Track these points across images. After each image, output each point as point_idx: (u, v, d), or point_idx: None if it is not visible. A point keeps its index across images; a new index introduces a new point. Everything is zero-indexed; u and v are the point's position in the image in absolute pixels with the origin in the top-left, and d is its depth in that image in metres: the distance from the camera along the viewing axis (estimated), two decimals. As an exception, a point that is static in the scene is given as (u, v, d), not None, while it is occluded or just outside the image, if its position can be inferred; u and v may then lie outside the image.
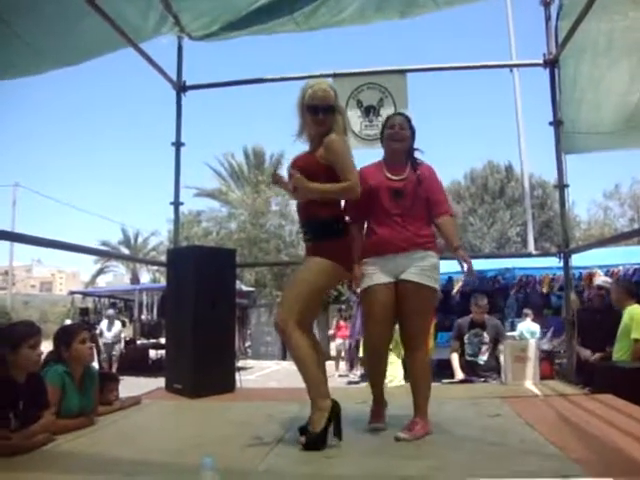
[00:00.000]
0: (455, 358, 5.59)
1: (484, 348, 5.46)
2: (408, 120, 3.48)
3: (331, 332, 15.67)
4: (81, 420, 3.35)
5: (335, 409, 2.92)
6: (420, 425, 3.09)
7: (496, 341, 5.47)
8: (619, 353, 4.87)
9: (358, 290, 3.40)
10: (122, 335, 14.97)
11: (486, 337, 5.47)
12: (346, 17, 5.35)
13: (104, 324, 14.28)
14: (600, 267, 10.27)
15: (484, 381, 5.34)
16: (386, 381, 5.04)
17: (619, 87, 4.89)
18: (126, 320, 18.21)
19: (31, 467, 2.63)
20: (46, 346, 3.47)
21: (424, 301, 3.23)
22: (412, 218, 3.27)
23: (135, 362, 14.73)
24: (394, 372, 5.22)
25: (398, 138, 3.38)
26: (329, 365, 16.47)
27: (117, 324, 14.66)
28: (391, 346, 5.09)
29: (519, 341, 5.13)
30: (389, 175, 3.34)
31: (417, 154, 3.45)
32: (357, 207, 3.27)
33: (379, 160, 3.48)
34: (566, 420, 3.37)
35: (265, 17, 5.26)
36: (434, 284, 3.24)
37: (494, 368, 5.43)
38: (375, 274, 3.25)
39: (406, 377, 5.06)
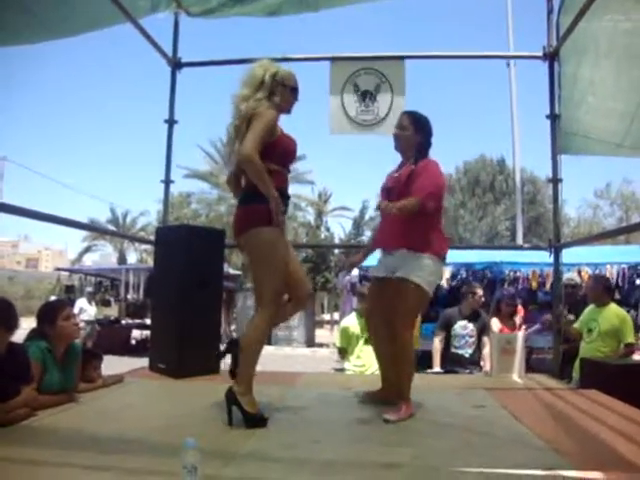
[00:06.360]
0: (438, 348, 5.51)
1: (471, 341, 5.43)
2: (413, 118, 3.52)
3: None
4: (62, 396, 3.30)
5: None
6: (404, 407, 3.16)
7: (481, 334, 5.46)
8: (606, 349, 4.92)
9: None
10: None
11: (474, 330, 5.45)
12: None
13: (83, 302, 13.74)
14: (588, 265, 10.31)
15: (469, 372, 5.34)
16: (362, 368, 5.09)
17: (619, 95, 4.85)
18: (111, 299, 18.15)
19: (10, 441, 2.59)
20: (31, 322, 3.43)
21: (406, 297, 3.26)
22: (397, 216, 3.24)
23: (118, 342, 14.66)
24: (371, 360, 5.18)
25: (395, 138, 3.52)
26: (322, 352, 16.65)
27: (93, 305, 14.29)
28: (366, 335, 5.09)
29: (506, 334, 5.12)
30: (393, 174, 3.52)
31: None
32: None
33: None
34: (551, 413, 3.38)
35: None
36: (419, 281, 3.23)
37: (477, 362, 5.44)
38: (376, 268, 3.57)
39: None
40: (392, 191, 3.40)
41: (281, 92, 3.15)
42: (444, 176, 3.44)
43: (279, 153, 3.09)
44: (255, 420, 2.90)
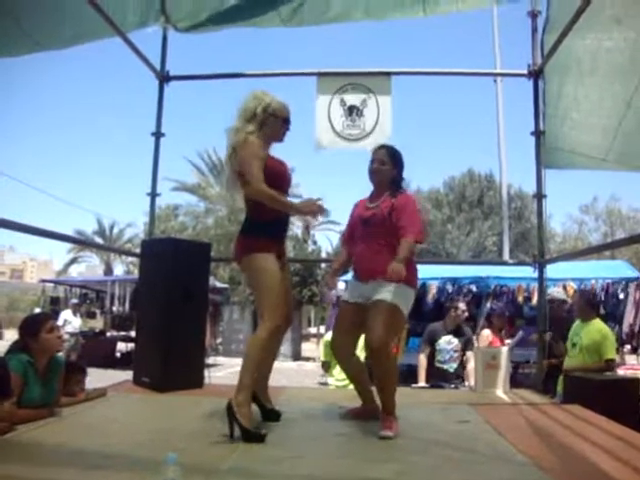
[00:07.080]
0: (423, 363, 5.47)
1: (456, 356, 5.42)
2: (391, 152, 3.64)
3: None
4: (43, 410, 3.25)
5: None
6: (395, 422, 3.17)
7: (465, 349, 5.47)
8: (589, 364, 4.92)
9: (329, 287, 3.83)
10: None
11: (459, 345, 5.44)
12: (332, 15, 5.36)
13: (68, 313, 13.64)
14: (573, 280, 10.38)
15: (454, 387, 5.34)
16: (345, 382, 5.05)
17: (602, 112, 4.92)
18: (97, 311, 17.99)
19: (-12, 456, 2.54)
20: (14, 334, 3.39)
21: (384, 313, 3.24)
22: (378, 245, 3.41)
23: (103, 354, 14.51)
24: None
25: (374, 173, 3.59)
26: (308, 366, 16.58)
27: (78, 317, 14.15)
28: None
29: (491, 348, 5.13)
30: (367, 204, 3.60)
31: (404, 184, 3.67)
32: (347, 232, 3.74)
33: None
34: (534, 428, 3.37)
35: (250, 8, 5.23)
36: (395, 300, 3.26)
37: (461, 376, 5.44)
38: (349, 292, 3.64)
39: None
40: (370, 221, 3.48)
41: (272, 123, 3.30)
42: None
43: (268, 177, 3.17)
44: (251, 435, 2.88)
